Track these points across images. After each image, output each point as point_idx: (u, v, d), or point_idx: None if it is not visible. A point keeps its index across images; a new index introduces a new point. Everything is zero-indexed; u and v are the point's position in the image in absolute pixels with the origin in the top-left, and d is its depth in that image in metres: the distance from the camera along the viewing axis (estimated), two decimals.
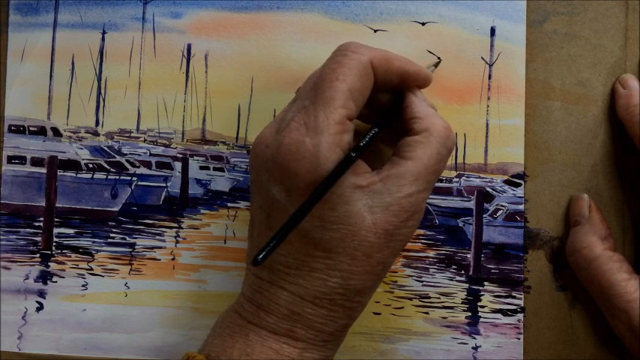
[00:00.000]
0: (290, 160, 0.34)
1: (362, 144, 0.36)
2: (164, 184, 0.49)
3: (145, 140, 0.50)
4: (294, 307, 0.36)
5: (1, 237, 0.49)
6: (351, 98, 0.35)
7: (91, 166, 0.50)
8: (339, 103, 0.34)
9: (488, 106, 0.48)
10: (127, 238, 0.49)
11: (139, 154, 0.50)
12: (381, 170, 0.36)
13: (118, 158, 0.50)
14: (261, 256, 0.32)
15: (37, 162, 0.50)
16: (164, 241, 0.49)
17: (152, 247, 0.49)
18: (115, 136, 0.50)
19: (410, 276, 0.48)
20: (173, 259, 0.49)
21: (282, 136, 0.35)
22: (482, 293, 0.47)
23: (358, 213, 0.34)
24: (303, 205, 0.33)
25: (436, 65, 0.46)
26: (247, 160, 0.49)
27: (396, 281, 0.48)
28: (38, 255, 0.49)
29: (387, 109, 0.40)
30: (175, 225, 0.49)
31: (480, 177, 0.48)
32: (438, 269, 0.48)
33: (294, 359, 0.36)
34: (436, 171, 0.36)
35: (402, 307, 0.47)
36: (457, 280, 0.47)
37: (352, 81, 0.35)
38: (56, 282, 0.49)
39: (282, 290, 0.36)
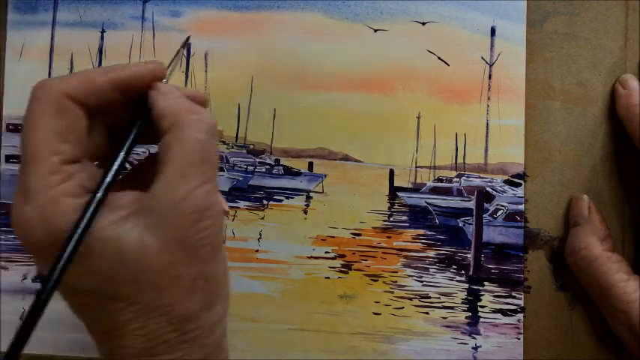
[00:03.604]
0: (23, 237, 0.31)
1: (107, 180, 0.31)
2: None
3: None
4: None
5: (0, 236, 0.49)
6: (59, 141, 0.31)
7: None
8: (45, 154, 0.31)
9: (488, 106, 0.48)
10: None
11: (137, 154, 0.49)
12: (150, 187, 0.31)
13: None
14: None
15: None
16: None
17: None
18: None
19: (410, 276, 0.48)
20: None
21: (12, 215, 0.31)
22: (482, 293, 0.47)
23: (134, 244, 0.30)
24: (46, 277, 0.29)
25: (184, 45, 0.40)
26: (247, 160, 0.49)
27: (396, 281, 0.47)
28: None
29: (135, 125, 0.34)
30: None
31: (480, 177, 0.48)
32: (438, 269, 0.48)
33: None
34: (205, 159, 0.31)
35: (402, 307, 0.47)
36: (457, 280, 0.47)
37: (50, 124, 0.31)
38: None
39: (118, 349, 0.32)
